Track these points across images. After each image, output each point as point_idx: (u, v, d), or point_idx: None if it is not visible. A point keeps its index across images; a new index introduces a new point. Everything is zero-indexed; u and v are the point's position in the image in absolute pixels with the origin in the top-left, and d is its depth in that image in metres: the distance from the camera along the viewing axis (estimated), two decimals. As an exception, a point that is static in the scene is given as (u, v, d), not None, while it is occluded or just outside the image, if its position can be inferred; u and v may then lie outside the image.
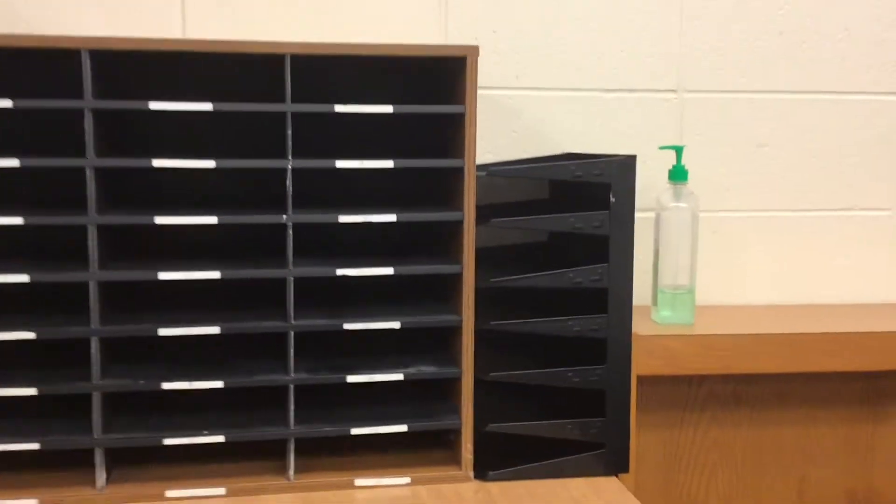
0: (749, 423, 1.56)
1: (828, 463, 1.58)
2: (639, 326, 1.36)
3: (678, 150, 1.44)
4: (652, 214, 1.47)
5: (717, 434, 1.56)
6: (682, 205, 1.43)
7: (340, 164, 1.18)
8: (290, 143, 1.17)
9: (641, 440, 1.51)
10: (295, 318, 1.19)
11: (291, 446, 1.21)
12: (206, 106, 1.14)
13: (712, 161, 1.57)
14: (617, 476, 1.28)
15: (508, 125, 1.50)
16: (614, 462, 1.28)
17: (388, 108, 1.18)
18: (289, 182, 1.17)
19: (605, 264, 1.25)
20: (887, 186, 1.63)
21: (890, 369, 1.49)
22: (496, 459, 1.26)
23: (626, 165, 1.24)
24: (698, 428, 1.55)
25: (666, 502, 1.56)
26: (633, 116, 1.53)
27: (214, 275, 1.17)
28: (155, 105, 1.12)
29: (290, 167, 1.17)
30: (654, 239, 1.45)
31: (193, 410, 1.24)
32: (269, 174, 1.19)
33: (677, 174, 1.43)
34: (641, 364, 1.34)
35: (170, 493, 1.18)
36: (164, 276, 1.15)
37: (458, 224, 1.22)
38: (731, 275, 1.60)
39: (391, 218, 1.20)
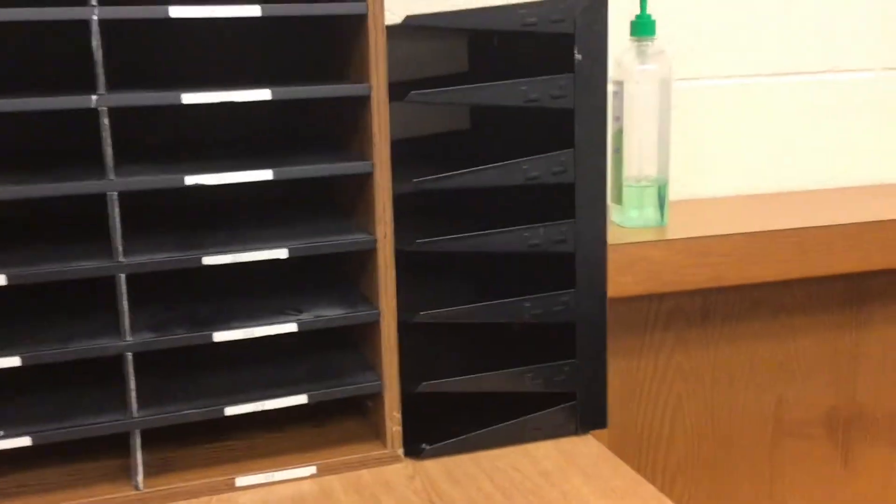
0: (718, 341, 1.28)
1: (807, 379, 1.34)
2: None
3: (643, -6, 1.08)
4: (610, 87, 1.12)
5: (681, 359, 1.26)
6: (651, 67, 1.08)
7: (177, 11, 0.76)
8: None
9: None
10: (125, 254, 0.79)
11: (137, 441, 0.82)
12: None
13: (674, 14, 1.22)
14: (592, 433, 0.96)
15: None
16: (589, 416, 0.96)
17: (246, -75, 0.77)
18: (96, 41, 0.75)
19: (571, 150, 0.89)
20: (870, 42, 1.34)
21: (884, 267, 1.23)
22: (432, 429, 0.92)
23: (594, 7, 0.87)
24: (660, 353, 1.25)
25: (622, 448, 1.27)
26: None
27: (-10, 194, 0.74)
28: None
29: (95, 18, 0.74)
30: (615, 117, 1.10)
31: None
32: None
33: (643, 27, 1.08)
34: (613, 284, 1.01)
35: (-49, 530, 0.77)
36: None
37: (363, 102, 0.84)
38: (697, 160, 1.28)
39: (264, 94, 0.80)
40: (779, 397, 1.33)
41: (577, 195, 0.91)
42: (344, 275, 0.94)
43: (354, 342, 0.94)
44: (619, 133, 1.10)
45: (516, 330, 0.94)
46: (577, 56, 0.88)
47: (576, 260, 0.92)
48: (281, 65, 1.01)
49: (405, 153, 0.90)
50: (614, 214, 1.12)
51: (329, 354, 0.93)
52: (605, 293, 0.93)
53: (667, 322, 1.24)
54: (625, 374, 1.25)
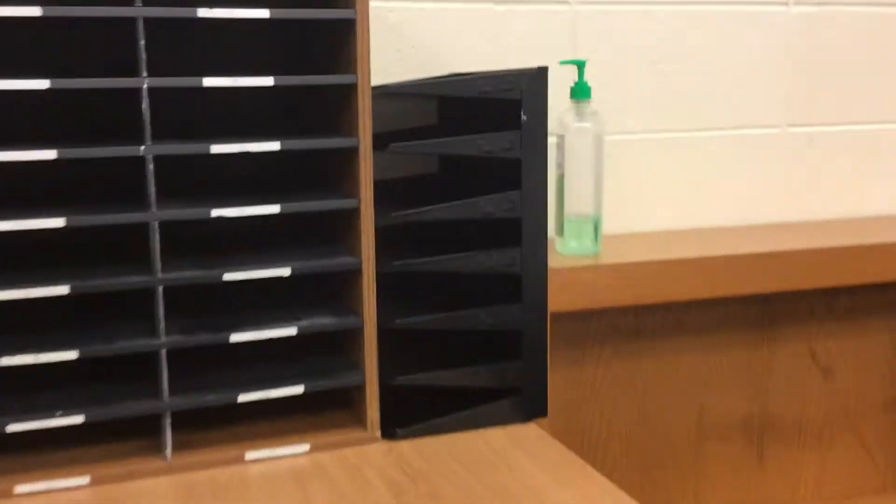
0: (649, 354, 1.50)
1: (725, 390, 1.55)
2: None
3: (580, 65, 1.31)
4: (552, 139, 1.35)
5: (617, 369, 1.48)
6: (587, 125, 1.31)
7: (209, 81, 0.98)
8: (143, 54, 0.95)
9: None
10: (163, 271, 0.99)
11: (167, 421, 1.02)
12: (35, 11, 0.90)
13: (607, 80, 1.46)
14: (535, 421, 1.17)
15: (391, 43, 1.33)
16: (532, 407, 1.17)
17: (263, 13, 0.99)
18: (145, 104, 0.96)
19: (518, 191, 1.12)
20: (776, 104, 1.58)
21: (788, 290, 1.45)
22: (405, 416, 1.12)
23: (536, 78, 1.10)
24: (599, 364, 1.46)
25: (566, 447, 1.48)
26: (525, 32, 1.39)
27: (57, 223, 0.95)
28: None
29: (145, 86, 0.96)
30: (557, 164, 1.33)
31: (46, 389, 1.02)
32: (120, 102, 0.98)
33: (580, 91, 1.31)
34: (554, 300, 1.23)
35: (20, 489, 0.96)
36: (-7, 226, 0.92)
37: (353, 151, 1.05)
38: (627, 201, 1.51)
39: (274, 146, 1.02)
40: (701, 405, 1.54)
41: (524, 228, 1.13)
42: (333, 293, 1.15)
43: (341, 348, 1.15)
44: (560, 178, 1.32)
45: (473, 337, 1.15)
46: (524, 117, 1.11)
47: (522, 280, 1.13)
48: (287, 121, 1.22)
49: (384, 192, 1.11)
50: (557, 245, 1.34)
51: (321, 357, 1.14)
52: (546, 307, 1.15)
53: (604, 338, 1.46)
54: (568, 382, 1.46)
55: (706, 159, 1.55)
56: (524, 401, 1.16)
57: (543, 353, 1.16)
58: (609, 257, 1.32)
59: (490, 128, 1.10)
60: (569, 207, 1.32)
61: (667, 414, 1.52)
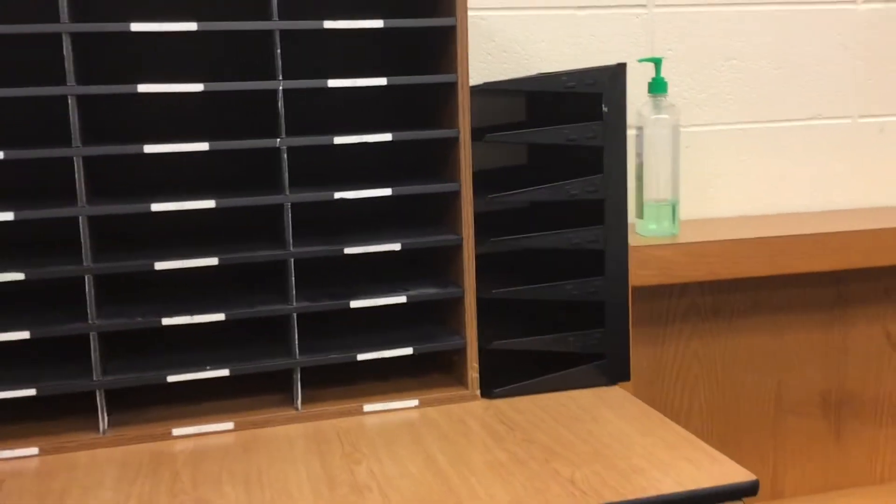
0: (727, 332, 1.60)
1: (802, 367, 1.63)
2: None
3: (657, 63, 1.44)
4: (632, 131, 1.48)
5: (697, 346, 1.59)
6: (664, 116, 1.44)
7: (334, 83, 1.14)
8: (279, 62, 1.12)
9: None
10: (294, 246, 1.16)
11: (297, 376, 1.18)
12: (192, 26, 1.08)
13: (683, 76, 1.58)
14: (618, 384, 1.30)
15: (483, 47, 1.48)
16: (615, 371, 1.30)
17: (377, 23, 1.15)
18: (281, 104, 1.13)
19: (601, 175, 1.25)
20: (847, 95, 1.67)
21: (859, 267, 1.53)
22: (501, 377, 1.26)
23: (616, 73, 1.24)
24: (680, 341, 1.57)
25: (652, 415, 1.59)
26: (605, 33, 1.52)
27: (209, 204, 1.12)
28: (138, 27, 1.06)
29: (281, 88, 1.13)
30: (637, 153, 1.45)
31: (195, 346, 1.20)
32: (258, 101, 1.15)
33: (657, 86, 1.43)
34: (634, 275, 1.36)
35: (176, 432, 1.14)
36: (157, 207, 1.11)
37: (454, 141, 1.20)
38: (704, 188, 1.62)
39: (387, 137, 1.17)
40: (779, 381, 1.63)
41: (606, 208, 1.26)
42: (437, 268, 1.31)
43: (444, 317, 1.30)
44: (640, 166, 1.45)
45: (561, 306, 1.29)
46: (605, 109, 1.24)
47: (605, 255, 1.27)
48: (398, 118, 1.39)
49: (481, 180, 1.26)
50: (638, 227, 1.47)
51: (427, 325, 1.29)
52: (626, 280, 1.28)
53: (685, 316, 1.57)
54: (651, 358, 1.57)
55: (779, 149, 1.65)
56: (608, 365, 1.29)
57: (625, 322, 1.29)
58: (685, 237, 1.44)
59: (574, 120, 1.24)
60: (648, 193, 1.45)
61: (745, 389, 1.61)
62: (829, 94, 1.66)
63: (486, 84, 1.23)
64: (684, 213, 1.58)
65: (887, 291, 1.65)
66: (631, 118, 1.48)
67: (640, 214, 1.46)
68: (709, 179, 1.62)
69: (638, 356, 1.55)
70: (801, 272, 1.47)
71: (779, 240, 1.43)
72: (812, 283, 1.60)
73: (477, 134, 1.22)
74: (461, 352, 1.25)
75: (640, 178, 1.45)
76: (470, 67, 1.44)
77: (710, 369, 1.60)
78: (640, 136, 1.45)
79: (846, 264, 1.50)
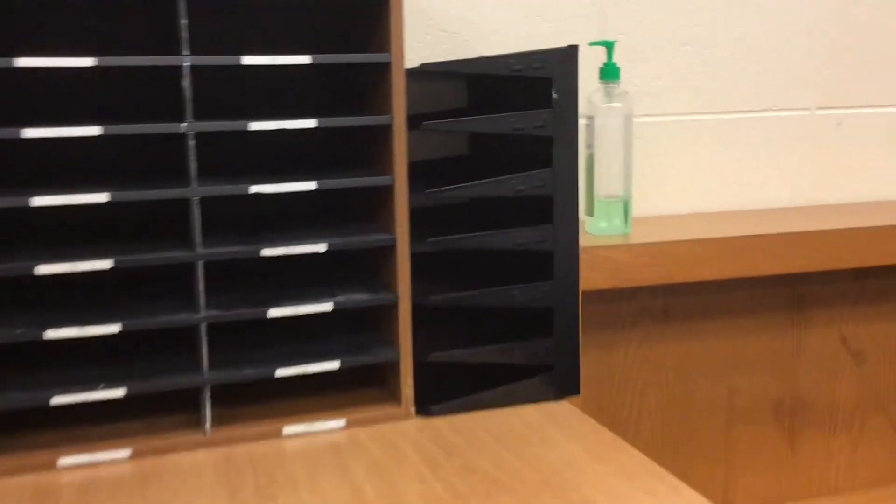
0: (678, 336, 1.50)
1: (755, 373, 1.55)
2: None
3: (609, 46, 1.32)
4: (582, 121, 1.36)
5: (647, 351, 1.49)
6: (616, 105, 1.32)
7: (249, 60, 1.00)
8: (185, 33, 0.97)
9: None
10: (203, 246, 1.01)
11: (207, 395, 1.04)
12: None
13: (635, 62, 1.47)
14: (567, 399, 1.18)
15: (421, 26, 1.35)
16: (565, 385, 1.18)
17: (300, -6, 1.01)
18: (186, 82, 0.98)
19: (550, 168, 1.13)
20: (806, 86, 1.58)
21: (818, 270, 1.45)
22: (438, 392, 1.14)
23: (567, 56, 1.11)
24: (630, 345, 1.47)
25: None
26: (555, 15, 1.40)
27: (101, 198, 0.97)
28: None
29: (186, 64, 0.98)
30: (587, 145, 1.34)
31: (86, 362, 1.05)
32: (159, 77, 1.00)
33: (609, 72, 1.32)
34: (584, 278, 1.24)
35: (63, 462, 0.99)
36: (38, 201, 0.95)
37: (387, 129, 1.07)
38: (657, 183, 1.52)
39: (311, 123, 1.03)
40: (731, 388, 1.55)
41: (555, 205, 1.14)
42: (368, 270, 1.17)
43: (376, 325, 1.17)
44: (590, 158, 1.33)
45: (505, 314, 1.16)
46: (555, 95, 1.12)
47: (554, 257, 1.14)
48: (324, 101, 1.24)
49: (418, 172, 1.13)
50: (588, 225, 1.35)
51: (357, 334, 1.15)
52: (577, 285, 1.16)
53: (634, 320, 1.46)
54: (599, 364, 1.47)
55: (735, 142, 1.55)
56: (556, 378, 1.17)
57: (575, 330, 1.17)
58: (639, 237, 1.33)
59: (521, 107, 1.11)
60: (599, 188, 1.33)
61: (697, 396, 1.52)
62: (786, 85, 1.57)
63: (423, 66, 1.09)
64: (635, 210, 1.47)
65: (844, 294, 1.57)
66: (581, 106, 1.36)
67: (589, 212, 1.34)
68: (661, 173, 1.51)
69: (586, 361, 1.44)
70: (761, 275, 1.38)
71: (738, 241, 1.33)
72: (767, 284, 1.51)
73: (413, 121, 1.09)
74: (394, 365, 1.11)
75: (590, 171, 1.33)
76: (406, 48, 1.31)
77: (660, 375, 1.50)
78: (590, 126, 1.33)
79: (807, 266, 1.41)
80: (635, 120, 1.46)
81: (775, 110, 1.57)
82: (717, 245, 1.32)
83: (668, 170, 1.51)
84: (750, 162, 1.57)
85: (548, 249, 1.14)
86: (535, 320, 1.16)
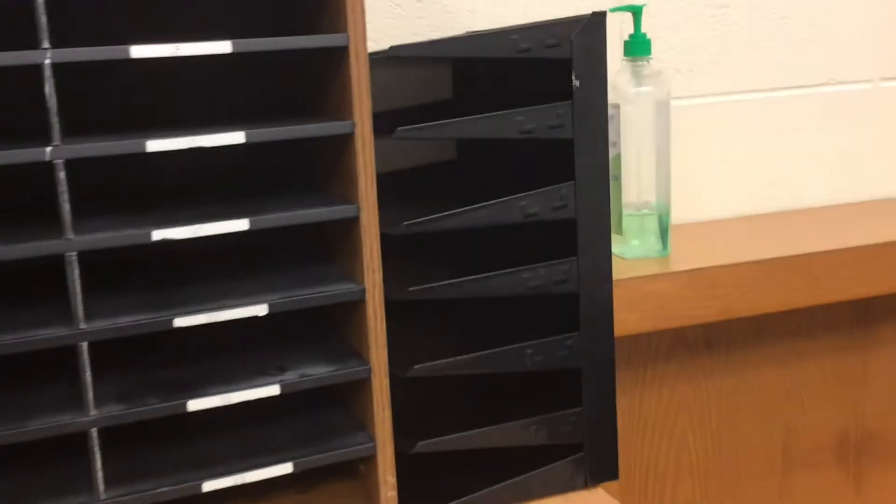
0: (722, 370, 1.22)
1: (814, 405, 1.28)
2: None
3: (636, 11, 1.02)
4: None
5: (685, 389, 1.20)
6: (647, 89, 1.02)
7: (140, 51, 0.69)
8: (43, 17, 0.67)
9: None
10: (87, 319, 0.71)
11: (106, 524, 0.74)
12: None
13: (660, 32, 1.16)
14: (603, 485, 0.89)
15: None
16: (599, 467, 0.89)
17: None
18: (49, 87, 0.67)
19: (571, 182, 0.83)
20: (866, 54, 1.29)
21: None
22: (432, 492, 0.84)
23: (592, 27, 0.81)
24: (664, 385, 1.19)
25: (627, 487, 1.20)
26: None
27: (-68, 259, 0.66)
28: None
29: (48, 62, 0.67)
30: (612, 142, 1.03)
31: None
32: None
33: (638, 46, 1.02)
34: (621, 321, 0.94)
35: None
36: None
37: (346, 140, 0.77)
38: (691, 181, 1.22)
39: (235, 139, 0.73)
40: (786, 426, 1.27)
41: (580, 231, 0.84)
42: (331, 326, 0.87)
43: (344, 397, 0.87)
44: (616, 159, 1.03)
45: (517, 378, 0.87)
46: (575, 82, 0.82)
47: (580, 300, 0.85)
48: (254, 103, 0.94)
49: (391, 189, 0.83)
50: (614, 245, 1.05)
51: (316, 414, 0.86)
52: (611, 334, 0.87)
53: (669, 353, 1.18)
54: (626, 409, 1.19)
55: (783, 125, 1.26)
56: (587, 460, 0.88)
57: (610, 395, 0.88)
58: (682, 260, 1.03)
59: (531, 100, 0.81)
60: (627, 197, 1.03)
61: (746, 439, 1.26)
62: (845, 53, 1.27)
63: (394, 49, 0.79)
64: (673, 217, 1.17)
65: None
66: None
67: (616, 228, 1.05)
68: (697, 169, 1.21)
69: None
70: (834, 301, 1.09)
71: (805, 260, 1.04)
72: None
73: (384, 123, 0.79)
74: (370, 459, 0.82)
75: (616, 177, 1.03)
76: (371, 26, 1.01)
77: (702, 418, 1.23)
78: (615, 119, 1.03)
79: (887, 288, 1.12)
80: (673, 103, 1.16)
81: (832, 84, 1.28)
82: (780, 267, 1.03)
83: (703, 164, 1.22)
84: (802, 148, 1.27)
85: (571, 291, 0.84)
86: (558, 386, 0.87)
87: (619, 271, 0.99)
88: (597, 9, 0.82)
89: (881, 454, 1.33)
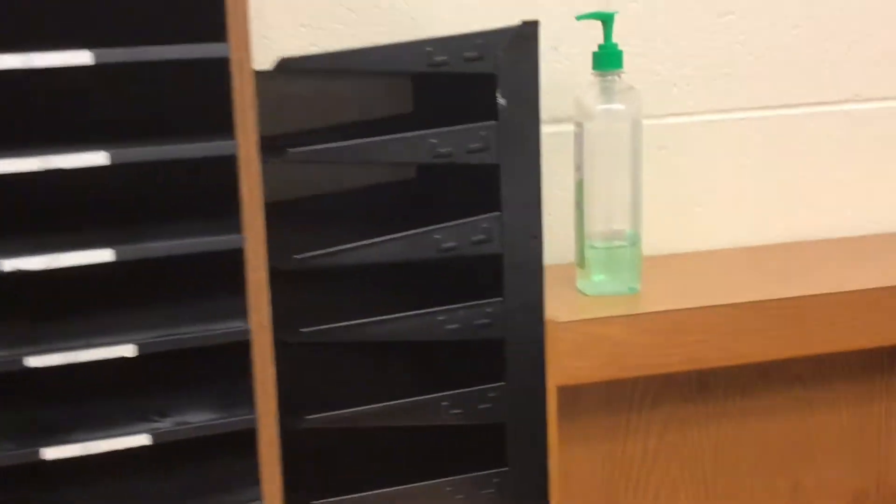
0: (719, 418, 1.10)
1: (828, 460, 1.15)
2: (555, 303, 0.84)
3: (606, 21, 0.91)
4: (566, 128, 0.95)
5: (674, 439, 1.09)
6: (618, 107, 0.91)
7: (-16, 62, 0.62)
8: None
9: (570, 459, 1.02)
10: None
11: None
12: None
13: (651, 40, 1.05)
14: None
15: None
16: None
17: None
18: None
19: (497, 213, 0.73)
20: (891, 67, 1.15)
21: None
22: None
23: (521, 40, 0.71)
24: (650, 433, 1.08)
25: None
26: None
27: None
28: None
29: None
30: (576, 165, 0.93)
31: None
32: None
33: (608, 58, 0.91)
34: (564, 368, 0.83)
35: None
36: None
37: (229, 160, 0.68)
38: (684, 208, 1.09)
39: (98, 160, 0.65)
40: (795, 482, 1.15)
41: (506, 267, 0.74)
42: (213, 364, 0.78)
43: (232, 446, 0.78)
44: (579, 185, 0.92)
45: (433, 432, 0.77)
46: (501, 101, 0.72)
47: (505, 345, 0.75)
48: (122, 120, 0.84)
49: (283, 218, 0.74)
50: (578, 281, 0.95)
51: (200, 462, 0.77)
52: (543, 383, 0.76)
53: (655, 397, 1.06)
54: (607, 458, 1.08)
55: (797, 146, 1.12)
56: (517, 526, 0.78)
57: (540, 453, 0.77)
58: (653, 299, 0.91)
59: (448, 119, 0.72)
60: (592, 226, 0.92)
61: (747, 497, 1.13)
62: (870, 65, 1.13)
63: (284, 62, 0.70)
64: (652, 244, 1.05)
65: None
66: (567, 109, 0.95)
67: (580, 262, 0.94)
68: (689, 194, 1.09)
69: (586, 458, 1.05)
70: (838, 351, 0.96)
71: (795, 303, 0.91)
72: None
73: (272, 146, 0.70)
74: (259, 517, 0.73)
75: (579, 203, 0.92)
76: (264, 34, 0.90)
77: (695, 472, 1.11)
78: (579, 138, 0.92)
79: None
80: (657, 122, 1.04)
81: (856, 102, 1.14)
82: (765, 312, 0.90)
83: (702, 191, 1.09)
84: (820, 174, 1.14)
85: (496, 336, 0.75)
86: (482, 440, 0.77)
87: (577, 311, 0.88)
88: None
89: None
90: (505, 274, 0.74)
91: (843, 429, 1.15)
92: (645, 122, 0.99)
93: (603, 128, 0.92)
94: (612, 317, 0.86)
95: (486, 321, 0.74)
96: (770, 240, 1.13)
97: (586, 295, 0.93)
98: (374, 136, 0.72)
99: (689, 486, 1.11)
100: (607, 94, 0.92)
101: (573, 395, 0.99)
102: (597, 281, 0.93)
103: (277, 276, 0.71)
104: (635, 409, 1.07)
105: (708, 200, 1.10)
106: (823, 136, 1.14)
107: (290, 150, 0.69)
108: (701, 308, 0.88)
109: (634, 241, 0.94)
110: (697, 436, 1.10)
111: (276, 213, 0.70)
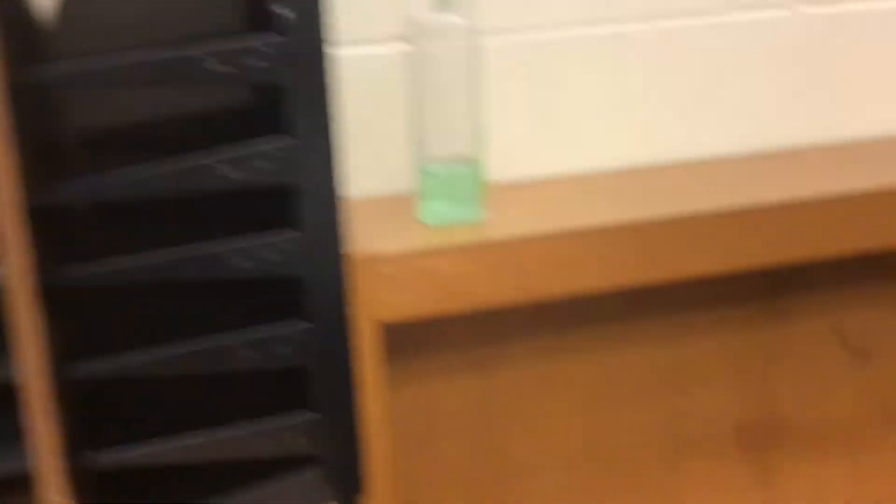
0: (593, 346, 1.08)
1: (712, 389, 1.16)
2: (385, 236, 0.79)
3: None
4: (398, 48, 0.88)
5: (546, 370, 1.06)
6: (454, 21, 0.85)
7: None
8: None
9: (422, 395, 0.99)
10: None
11: None
12: None
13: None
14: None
15: None
16: (341, 480, 0.74)
17: None
18: None
19: (290, 137, 0.67)
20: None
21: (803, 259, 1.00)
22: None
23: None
24: (519, 362, 1.05)
25: (479, 481, 1.07)
26: None
27: None
28: None
29: None
30: (414, 85, 0.86)
31: None
32: None
33: (437, -35, 0.84)
34: (384, 304, 0.78)
35: None
36: None
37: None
38: (547, 128, 1.03)
39: None
40: (674, 411, 1.12)
41: (303, 199, 0.68)
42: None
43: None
44: (418, 107, 0.86)
45: (229, 379, 0.72)
46: (287, 13, 0.65)
47: (304, 281, 0.69)
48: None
49: (45, 155, 0.67)
50: (419, 210, 0.89)
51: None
52: (345, 324, 0.71)
53: (524, 325, 1.03)
54: (472, 391, 1.04)
55: (670, 61, 1.06)
56: (329, 472, 0.74)
57: (346, 394, 0.73)
58: (497, 226, 0.86)
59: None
60: (430, 149, 0.87)
61: (625, 428, 1.11)
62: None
63: None
64: (511, 170, 0.99)
65: (837, 276, 1.12)
66: (397, 25, 0.88)
67: (419, 190, 0.88)
68: (552, 113, 1.02)
69: (453, 386, 1.02)
70: (710, 273, 0.91)
71: (657, 227, 0.86)
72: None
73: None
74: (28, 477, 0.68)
75: (417, 127, 0.86)
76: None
77: (568, 404, 1.09)
78: (412, 55, 0.86)
79: (789, 254, 0.95)
80: (505, 39, 0.97)
81: (737, 9, 1.07)
82: (604, 239, 0.85)
83: (556, 109, 1.02)
84: (697, 89, 1.08)
85: (291, 274, 0.69)
86: (282, 387, 0.72)
87: (409, 241, 0.83)
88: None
89: (792, 445, 1.20)
90: (303, 206, 0.68)
91: (726, 357, 1.13)
92: (498, 36, 0.93)
93: (440, 46, 0.85)
94: (439, 249, 0.80)
95: (278, 257, 0.68)
96: (641, 163, 1.07)
97: (428, 226, 0.88)
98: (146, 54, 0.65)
99: (563, 421, 1.08)
100: (443, 4, 0.85)
101: (423, 331, 0.94)
102: (436, 209, 0.87)
103: (40, 214, 0.64)
104: (501, 336, 1.03)
105: (564, 120, 1.04)
106: (694, 48, 1.07)
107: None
108: (538, 236, 0.82)
109: (475, 165, 0.88)
110: (569, 367, 1.07)
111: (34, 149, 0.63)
